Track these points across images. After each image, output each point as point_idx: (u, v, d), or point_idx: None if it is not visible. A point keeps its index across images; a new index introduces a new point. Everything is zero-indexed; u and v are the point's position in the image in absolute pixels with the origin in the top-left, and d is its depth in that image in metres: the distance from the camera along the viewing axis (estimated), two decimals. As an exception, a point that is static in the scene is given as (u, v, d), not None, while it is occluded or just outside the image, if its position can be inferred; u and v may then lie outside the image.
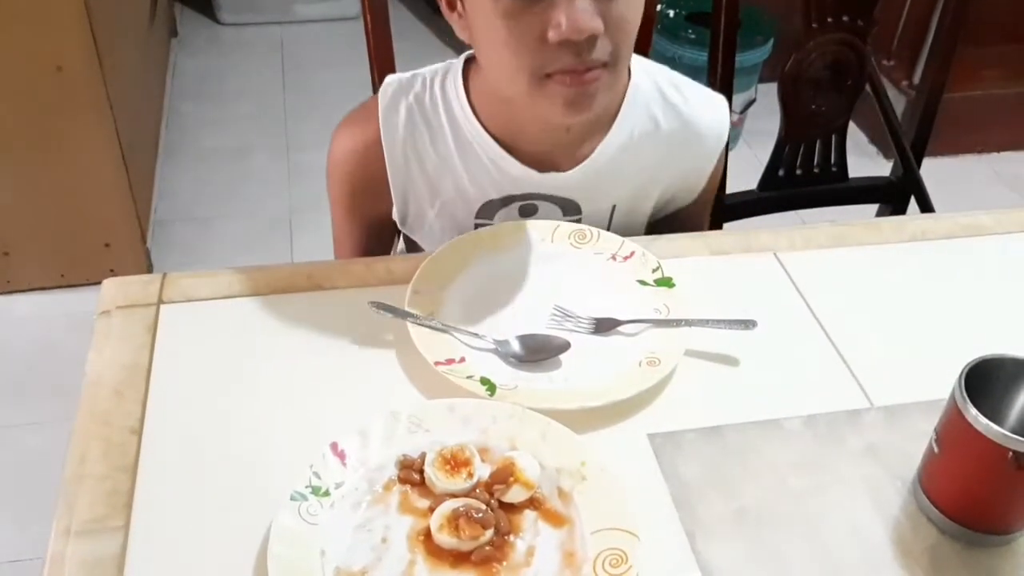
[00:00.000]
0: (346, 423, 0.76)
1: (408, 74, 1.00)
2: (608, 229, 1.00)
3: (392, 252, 1.11)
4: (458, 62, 0.98)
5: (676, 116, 1.00)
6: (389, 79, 1.00)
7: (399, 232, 1.08)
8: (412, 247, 1.10)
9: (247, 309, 0.90)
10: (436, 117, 0.97)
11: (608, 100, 0.90)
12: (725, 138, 1.04)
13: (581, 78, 0.84)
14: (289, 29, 3.14)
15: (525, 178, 0.97)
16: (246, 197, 2.48)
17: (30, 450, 1.78)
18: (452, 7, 0.89)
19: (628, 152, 0.99)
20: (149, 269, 2.19)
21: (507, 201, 1.00)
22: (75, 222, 2.07)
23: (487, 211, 1.00)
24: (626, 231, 1.01)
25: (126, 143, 2.02)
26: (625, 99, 0.97)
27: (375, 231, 1.06)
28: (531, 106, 0.88)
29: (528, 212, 1.01)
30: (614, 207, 1.02)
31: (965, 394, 0.68)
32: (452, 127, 0.97)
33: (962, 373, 0.70)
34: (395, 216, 1.03)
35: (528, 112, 0.91)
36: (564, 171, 0.97)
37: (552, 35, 0.81)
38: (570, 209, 1.01)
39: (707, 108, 1.03)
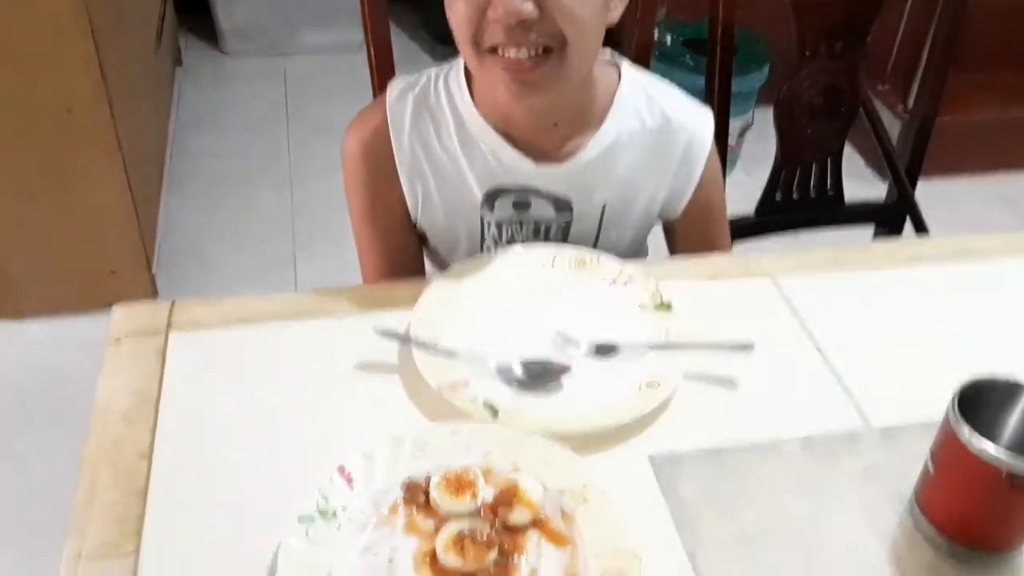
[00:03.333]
0: (352, 447, 0.78)
1: (414, 74, 1.05)
2: (599, 230, 1.05)
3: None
4: (460, 59, 1.02)
5: (660, 115, 1.05)
6: (397, 78, 1.05)
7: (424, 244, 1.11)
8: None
9: (254, 336, 0.92)
10: (440, 109, 1.02)
11: (563, 84, 0.93)
12: (709, 143, 1.07)
13: (518, 65, 0.89)
14: (293, 60, 3.17)
15: (521, 168, 1.01)
16: (250, 226, 2.50)
17: (36, 477, 1.78)
18: None
19: (617, 150, 1.03)
20: (155, 296, 2.21)
21: (502, 192, 1.04)
22: (82, 250, 2.09)
23: (487, 202, 1.04)
24: (618, 234, 1.06)
25: (133, 175, 2.05)
26: (615, 99, 1.02)
27: (394, 232, 1.08)
28: (486, 83, 0.95)
29: (522, 206, 1.04)
30: (604, 207, 1.05)
31: (959, 415, 0.70)
32: (455, 118, 1.02)
33: (955, 394, 0.71)
34: (408, 203, 1.06)
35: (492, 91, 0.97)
36: (560, 161, 1.01)
37: (490, 13, 0.87)
38: (562, 206, 1.04)
39: (691, 112, 1.07)
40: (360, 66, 1.32)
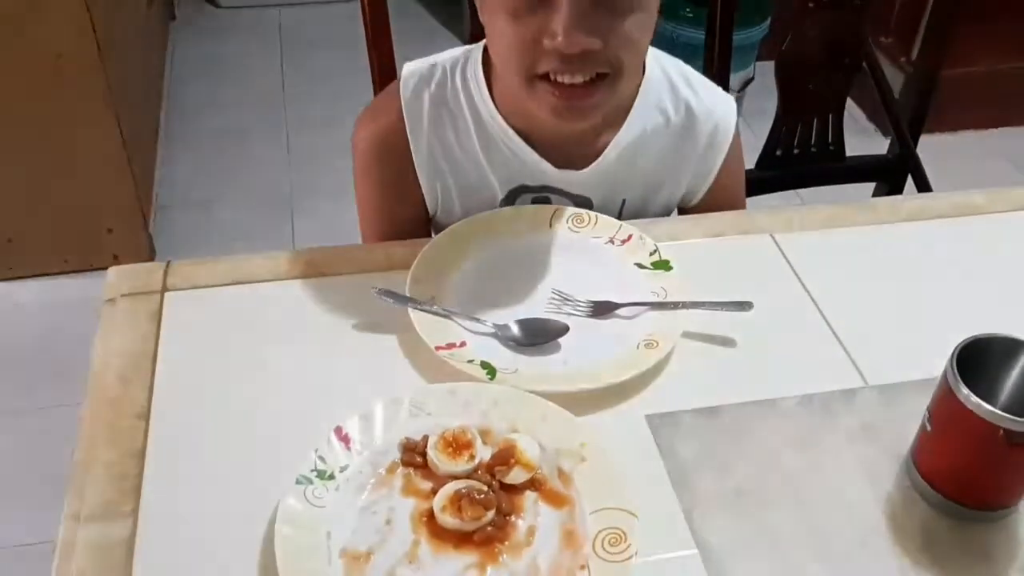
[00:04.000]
0: (350, 407, 0.78)
1: (426, 63, 1.00)
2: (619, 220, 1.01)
3: None
4: (477, 51, 0.98)
5: (685, 109, 1.01)
6: (408, 69, 1.00)
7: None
8: None
9: (249, 296, 0.91)
10: (459, 108, 0.98)
11: (610, 107, 0.90)
12: (732, 133, 1.04)
13: (571, 92, 0.85)
14: (287, 11, 3.13)
15: (542, 171, 0.98)
16: (247, 180, 2.49)
17: (34, 436, 1.80)
18: None
19: (640, 147, 0.99)
20: (152, 254, 2.20)
21: (523, 191, 1.01)
22: (77, 208, 2.08)
23: (507, 199, 1.02)
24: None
25: (127, 129, 2.03)
26: (638, 95, 0.98)
27: (405, 222, 1.05)
28: (527, 104, 0.89)
29: (542, 201, 1.02)
30: (624, 201, 1.03)
31: (957, 373, 0.70)
32: (474, 118, 0.98)
33: (954, 353, 0.71)
34: (427, 202, 1.03)
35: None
36: (579, 168, 0.98)
37: (547, 43, 0.82)
38: (582, 203, 1.02)
39: (716, 103, 1.03)
40: (355, 16, 1.29)
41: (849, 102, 1.52)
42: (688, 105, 1.01)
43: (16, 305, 2.09)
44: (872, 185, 1.64)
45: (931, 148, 1.69)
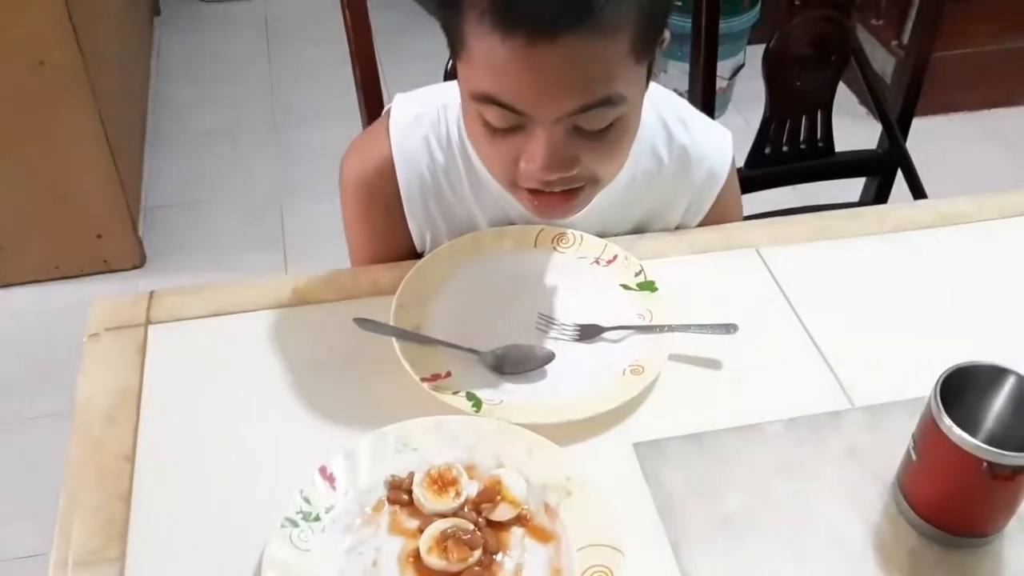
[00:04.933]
0: (335, 441, 0.78)
1: (418, 103, 0.96)
2: None
3: None
4: None
5: (679, 152, 0.98)
6: (400, 107, 0.96)
7: None
8: None
9: (234, 327, 0.91)
10: (451, 153, 0.95)
11: (591, 200, 0.87)
12: (727, 168, 1.02)
13: (551, 199, 0.82)
14: (273, 4, 3.10)
15: (533, 218, 0.95)
16: (236, 179, 2.48)
17: (27, 444, 1.80)
18: (456, 55, 0.80)
19: (631, 191, 0.97)
20: (142, 258, 2.20)
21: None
22: (66, 214, 2.07)
23: None
24: None
25: (112, 132, 2.02)
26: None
27: (393, 251, 1.02)
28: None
29: None
30: (614, 235, 1.02)
31: (940, 404, 0.69)
32: (465, 161, 0.95)
33: (937, 382, 0.71)
34: (415, 240, 1.01)
35: None
36: (570, 215, 0.95)
37: (523, 166, 0.79)
38: None
39: (711, 146, 1.00)
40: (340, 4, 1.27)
41: (841, 86, 1.50)
42: (683, 148, 0.98)
43: (8, 312, 2.09)
44: (862, 180, 1.63)
45: (922, 130, 1.67)
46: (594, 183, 0.83)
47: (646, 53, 0.77)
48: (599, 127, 0.77)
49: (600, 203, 0.92)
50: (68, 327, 1.93)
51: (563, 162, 0.78)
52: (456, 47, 0.77)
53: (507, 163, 0.81)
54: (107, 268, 2.15)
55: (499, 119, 0.77)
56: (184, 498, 0.77)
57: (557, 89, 0.74)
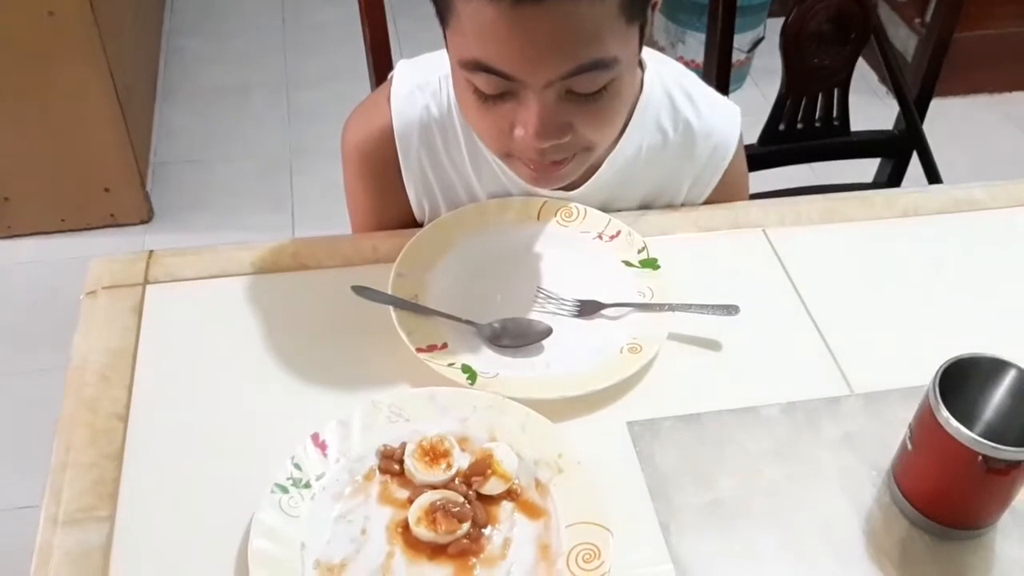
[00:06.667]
0: (329, 409, 0.77)
1: (420, 71, 0.95)
2: None
3: None
4: None
5: (684, 127, 0.96)
6: (402, 73, 0.95)
7: None
8: None
9: (231, 289, 0.91)
10: (450, 123, 0.94)
11: (585, 167, 0.86)
12: (733, 148, 1.00)
13: (545, 166, 0.81)
14: (287, -40, 3.06)
15: (533, 190, 0.95)
16: (246, 137, 2.46)
17: (30, 395, 1.80)
18: (444, 23, 0.78)
19: (635, 165, 0.96)
20: (149, 213, 2.19)
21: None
22: (74, 166, 2.07)
23: None
24: None
25: (122, 86, 2.00)
26: (635, 112, 0.93)
27: (395, 220, 1.02)
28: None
29: None
30: (618, 211, 1.00)
31: (938, 396, 0.69)
32: (465, 134, 0.94)
33: (937, 374, 0.70)
34: (414, 210, 1.00)
35: None
36: (572, 188, 0.95)
37: (517, 133, 0.78)
38: None
39: (717, 121, 0.98)
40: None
41: (860, 62, 1.47)
42: (688, 123, 0.96)
43: (13, 264, 2.09)
44: (876, 161, 1.61)
45: (941, 112, 1.64)
46: (587, 151, 0.82)
47: (637, 14, 0.75)
48: (591, 90, 0.76)
49: (604, 178, 0.91)
50: (72, 281, 1.92)
51: (556, 128, 0.77)
52: (444, 15, 0.76)
53: (500, 133, 0.80)
54: (113, 222, 2.15)
55: (489, 85, 0.76)
56: (175, 459, 0.77)
57: (546, 52, 0.72)
